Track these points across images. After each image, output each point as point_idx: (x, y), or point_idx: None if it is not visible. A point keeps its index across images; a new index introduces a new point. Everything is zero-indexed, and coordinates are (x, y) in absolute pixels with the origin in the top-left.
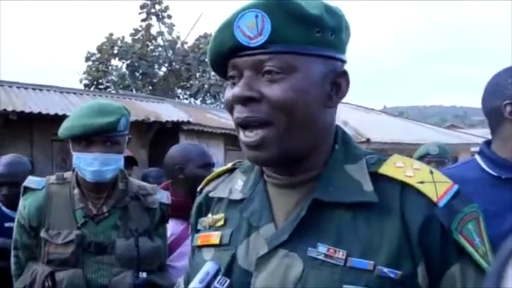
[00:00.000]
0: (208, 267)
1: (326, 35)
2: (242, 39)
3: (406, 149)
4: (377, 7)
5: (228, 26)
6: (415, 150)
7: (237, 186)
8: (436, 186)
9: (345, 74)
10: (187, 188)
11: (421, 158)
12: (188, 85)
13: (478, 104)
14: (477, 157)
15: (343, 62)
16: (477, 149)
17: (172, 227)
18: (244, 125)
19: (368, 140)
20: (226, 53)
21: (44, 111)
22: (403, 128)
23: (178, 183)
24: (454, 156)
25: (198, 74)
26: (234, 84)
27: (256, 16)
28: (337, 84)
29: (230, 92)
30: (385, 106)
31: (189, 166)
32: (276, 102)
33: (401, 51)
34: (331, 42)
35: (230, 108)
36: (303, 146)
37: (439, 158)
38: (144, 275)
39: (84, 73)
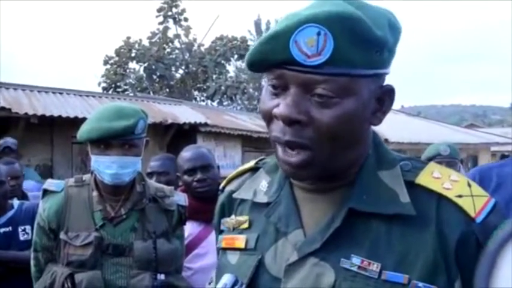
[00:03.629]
0: (226, 280)
1: (383, 55)
2: (298, 55)
3: (424, 149)
4: (394, 6)
5: (283, 37)
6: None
7: (261, 187)
8: (474, 200)
9: (391, 91)
10: None
11: (431, 159)
12: (205, 87)
13: (497, 102)
14: None
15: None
16: (497, 148)
17: (190, 228)
18: (285, 145)
19: (386, 140)
20: (273, 63)
21: (64, 115)
22: (421, 127)
23: None
24: (474, 156)
25: (214, 76)
26: (275, 94)
27: (319, 33)
28: (380, 100)
29: (272, 103)
30: (403, 106)
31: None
32: (324, 129)
33: (418, 50)
34: (385, 61)
35: (268, 119)
36: (344, 164)
37: (450, 159)
38: (162, 276)
39: (102, 76)
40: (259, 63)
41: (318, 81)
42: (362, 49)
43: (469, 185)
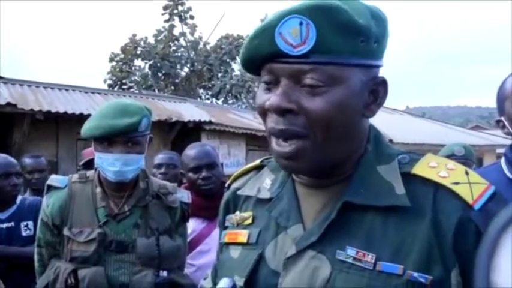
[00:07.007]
0: (223, 284)
1: (370, 44)
2: (284, 46)
3: (429, 150)
4: (400, 7)
5: (268, 31)
6: (439, 152)
7: (265, 184)
8: (472, 187)
9: (384, 83)
10: None
11: None
12: (210, 85)
13: None
14: (502, 160)
15: (380, 67)
16: (502, 150)
17: (194, 225)
18: (279, 135)
19: (391, 141)
20: (262, 58)
21: (70, 111)
22: (426, 128)
23: None
24: (479, 158)
25: (219, 75)
26: (268, 89)
27: (301, 23)
28: (374, 92)
29: (265, 97)
30: (408, 106)
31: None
32: (315, 117)
33: (424, 51)
34: (374, 51)
35: (263, 114)
36: (338, 157)
37: (464, 160)
38: (164, 273)
39: (108, 73)
40: (250, 60)
41: (306, 71)
42: (345, 37)
43: (467, 173)
